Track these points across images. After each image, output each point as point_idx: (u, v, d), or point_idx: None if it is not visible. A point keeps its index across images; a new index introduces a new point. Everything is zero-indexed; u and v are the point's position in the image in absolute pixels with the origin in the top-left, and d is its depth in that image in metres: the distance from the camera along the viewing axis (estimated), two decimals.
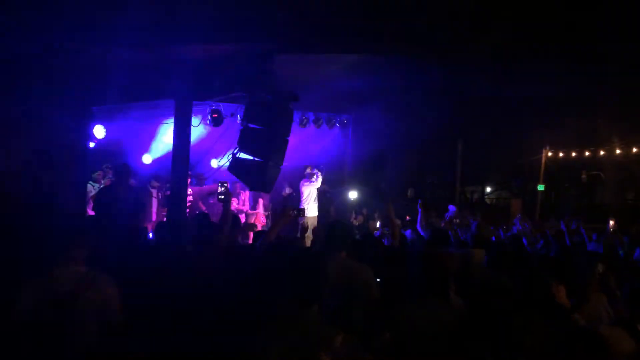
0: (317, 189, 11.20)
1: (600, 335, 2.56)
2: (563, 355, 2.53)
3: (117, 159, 10.45)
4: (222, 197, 4.97)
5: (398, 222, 6.31)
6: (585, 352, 2.44)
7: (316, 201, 11.07)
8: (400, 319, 3.16)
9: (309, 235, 10.21)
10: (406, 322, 3.15)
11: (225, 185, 5.20)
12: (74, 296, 3.20)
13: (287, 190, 12.90)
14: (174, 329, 3.34)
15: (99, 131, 9.38)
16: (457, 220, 9.09)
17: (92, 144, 9.04)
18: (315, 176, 11.01)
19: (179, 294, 3.54)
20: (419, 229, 7.71)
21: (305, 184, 11.02)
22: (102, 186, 9.67)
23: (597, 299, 3.37)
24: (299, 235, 7.26)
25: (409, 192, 17.41)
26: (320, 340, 2.22)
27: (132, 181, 9.56)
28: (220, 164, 10.83)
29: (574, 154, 18.83)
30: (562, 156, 19.23)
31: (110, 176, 9.56)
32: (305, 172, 11.09)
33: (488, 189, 33.32)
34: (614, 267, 3.68)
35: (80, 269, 3.35)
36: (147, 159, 12.25)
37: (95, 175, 9.90)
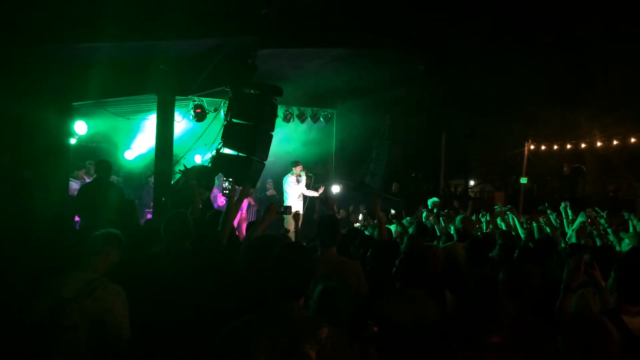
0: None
1: (600, 320, 2.56)
2: (561, 343, 2.52)
3: (99, 155, 10.36)
4: (227, 192, 4.91)
5: (383, 215, 6.30)
6: (586, 338, 2.44)
7: (300, 198, 10.98)
8: (387, 313, 3.17)
9: (293, 231, 10.21)
10: (393, 316, 3.16)
11: (231, 180, 5.15)
12: (69, 304, 3.05)
13: (271, 191, 12.87)
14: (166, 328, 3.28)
15: (81, 127, 9.25)
16: (444, 212, 9.11)
17: (73, 140, 8.92)
18: (301, 178, 10.88)
19: (177, 293, 3.47)
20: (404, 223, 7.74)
21: (292, 184, 10.84)
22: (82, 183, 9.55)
23: (582, 290, 3.39)
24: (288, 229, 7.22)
25: (394, 186, 17.45)
26: (305, 333, 2.20)
27: (113, 177, 9.47)
28: (204, 159, 10.75)
29: (555, 147, 19.03)
30: (545, 149, 19.42)
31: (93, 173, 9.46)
32: (294, 170, 10.90)
33: (472, 182, 33.59)
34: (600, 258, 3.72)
35: (90, 276, 3.19)
36: (129, 155, 12.13)
37: (77, 172, 9.76)
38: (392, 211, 10.58)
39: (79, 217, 7.74)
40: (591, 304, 3.39)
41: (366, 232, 7.37)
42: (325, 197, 7.16)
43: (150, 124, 10.66)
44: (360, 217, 12.35)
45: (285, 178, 10.93)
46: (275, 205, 4.58)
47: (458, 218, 7.00)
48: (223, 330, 2.31)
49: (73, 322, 3.04)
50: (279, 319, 2.28)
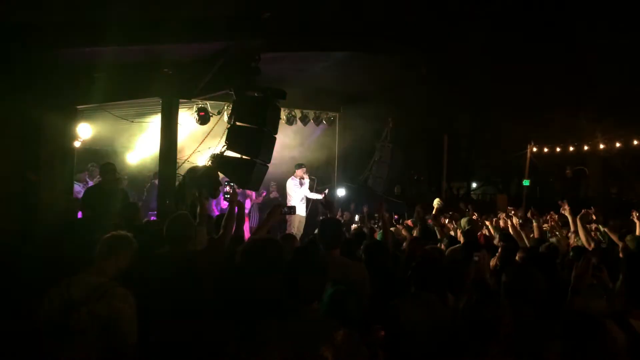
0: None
1: (598, 320, 2.57)
2: (559, 343, 2.53)
3: (102, 158, 10.37)
4: (228, 196, 4.87)
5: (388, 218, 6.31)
6: (583, 338, 2.45)
7: (303, 201, 10.97)
8: (395, 316, 3.17)
9: (297, 232, 10.21)
10: (401, 318, 3.16)
11: (232, 185, 5.13)
12: (78, 307, 3.03)
13: (274, 194, 12.88)
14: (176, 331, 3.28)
15: (85, 130, 9.26)
16: (449, 214, 9.09)
17: (77, 144, 8.93)
18: (305, 181, 10.84)
19: (181, 295, 3.47)
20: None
21: (295, 186, 10.82)
22: (87, 186, 9.56)
23: (589, 292, 3.39)
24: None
25: (396, 189, 17.42)
26: (321, 336, 2.21)
27: (118, 179, 9.47)
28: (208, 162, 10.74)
29: (558, 149, 18.99)
30: (547, 152, 19.38)
31: (98, 176, 9.46)
32: (298, 173, 10.87)
33: (474, 185, 33.53)
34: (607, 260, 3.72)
35: (100, 279, 3.18)
36: (132, 157, 12.17)
37: (80, 175, 9.77)
38: (395, 215, 10.57)
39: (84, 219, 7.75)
40: (598, 306, 3.39)
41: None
42: (326, 201, 7.12)
43: (153, 126, 10.70)
44: (357, 218, 12.33)
45: (288, 181, 10.92)
46: (279, 207, 4.57)
47: (464, 220, 6.99)
48: (239, 332, 2.31)
49: (82, 326, 3.02)
50: (295, 321, 2.29)
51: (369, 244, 4.85)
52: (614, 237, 6.12)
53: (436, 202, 10.53)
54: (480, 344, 2.61)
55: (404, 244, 6.50)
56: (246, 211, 12.24)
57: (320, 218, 11.59)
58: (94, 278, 3.20)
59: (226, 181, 5.84)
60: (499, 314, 2.66)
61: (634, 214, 7.13)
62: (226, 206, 10.88)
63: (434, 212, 9.58)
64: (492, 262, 5.15)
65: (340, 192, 12.45)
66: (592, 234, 7.11)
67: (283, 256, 2.92)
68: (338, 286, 2.87)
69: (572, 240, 6.86)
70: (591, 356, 2.42)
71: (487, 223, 7.88)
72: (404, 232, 7.68)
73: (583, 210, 6.68)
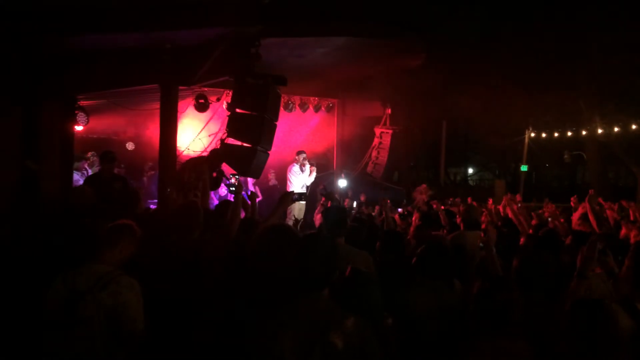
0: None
1: (603, 304, 2.59)
2: (565, 328, 2.55)
3: (101, 146, 10.31)
4: (234, 188, 4.86)
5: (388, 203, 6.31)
6: (588, 322, 2.47)
7: (304, 188, 10.93)
8: (405, 304, 3.18)
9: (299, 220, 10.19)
10: (410, 306, 3.17)
11: (237, 176, 5.12)
12: (83, 296, 3.03)
13: (273, 181, 12.84)
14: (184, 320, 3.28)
15: (83, 118, 9.20)
16: (450, 202, 9.12)
17: (76, 132, 8.88)
18: (305, 167, 10.75)
19: (189, 284, 3.47)
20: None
21: (297, 173, 10.75)
22: (87, 175, 9.52)
23: (595, 277, 3.41)
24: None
25: (394, 176, 17.43)
26: (332, 323, 2.20)
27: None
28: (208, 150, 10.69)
29: (556, 135, 18.99)
30: (545, 137, 19.39)
31: (97, 164, 9.43)
32: (299, 159, 10.79)
33: (470, 170, 33.64)
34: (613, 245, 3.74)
35: (105, 268, 3.18)
36: (130, 146, 12.12)
37: (78, 164, 9.73)
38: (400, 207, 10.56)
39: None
40: (604, 291, 3.40)
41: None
42: (326, 192, 7.11)
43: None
44: (355, 204, 12.33)
45: (290, 167, 10.86)
46: (290, 193, 4.56)
47: (465, 207, 6.99)
48: (249, 320, 2.30)
49: (88, 315, 3.03)
50: (305, 308, 2.28)
51: (387, 232, 4.83)
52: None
53: (421, 192, 10.51)
54: (491, 330, 2.62)
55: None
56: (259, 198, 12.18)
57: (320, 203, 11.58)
58: (99, 267, 3.19)
59: (231, 174, 5.80)
60: (511, 300, 2.67)
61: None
62: (225, 193, 10.90)
63: (427, 200, 9.60)
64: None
65: (342, 182, 12.41)
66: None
67: (296, 243, 2.92)
68: (360, 273, 2.86)
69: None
70: (597, 340, 2.44)
71: (490, 205, 7.92)
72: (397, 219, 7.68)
73: (590, 191, 6.70)
